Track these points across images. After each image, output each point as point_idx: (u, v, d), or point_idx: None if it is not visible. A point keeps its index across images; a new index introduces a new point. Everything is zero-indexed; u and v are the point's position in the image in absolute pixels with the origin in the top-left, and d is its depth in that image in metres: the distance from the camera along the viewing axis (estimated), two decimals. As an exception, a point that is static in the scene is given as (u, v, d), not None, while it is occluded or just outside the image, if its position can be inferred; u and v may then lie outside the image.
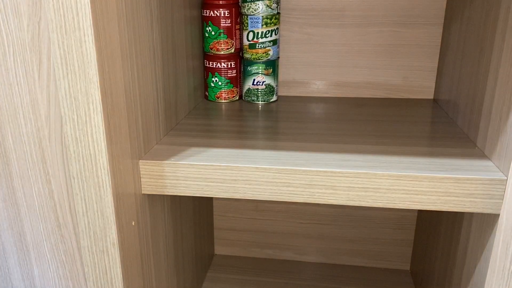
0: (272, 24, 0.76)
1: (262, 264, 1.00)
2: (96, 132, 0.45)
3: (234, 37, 0.77)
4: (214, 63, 0.78)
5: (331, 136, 0.61)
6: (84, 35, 0.41)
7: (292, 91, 0.87)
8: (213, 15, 0.75)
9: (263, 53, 0.77)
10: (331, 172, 0.49)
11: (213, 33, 0.76)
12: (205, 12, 0.76)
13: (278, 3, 0.76)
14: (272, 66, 0.79)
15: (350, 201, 0.50)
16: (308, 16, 0.81)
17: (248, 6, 0.75)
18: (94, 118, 0.44)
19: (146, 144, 0.55)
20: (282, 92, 0.87)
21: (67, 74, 0.43)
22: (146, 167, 0.53)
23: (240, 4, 0.77)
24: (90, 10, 0.40)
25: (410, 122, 0.67)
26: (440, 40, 0.79)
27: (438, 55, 0.80)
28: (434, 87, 0.82)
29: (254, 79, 0.79)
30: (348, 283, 0.93)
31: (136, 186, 0.53)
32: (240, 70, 0.81)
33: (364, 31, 0.81)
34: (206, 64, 0.79)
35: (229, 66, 0.78)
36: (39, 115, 0.47)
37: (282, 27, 0.82)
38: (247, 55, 0.78)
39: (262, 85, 0.79)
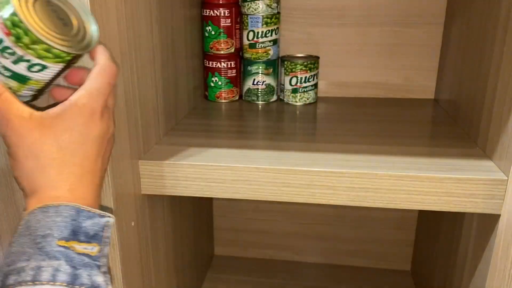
0: (272, 23, 0.76)
1: (262, 265, 1.00)
2: (95, 132, 0.44)
3: (234, 37, 0.77)
4: (214, 62, 0.78)
5: (331, 136, 0.61)
6: (83, 34, 0.41)
7: (292, 91, 0.86)
8: (213, 14, 0.75)
9: (263, 53, 0.77)
10: (331, 172, 0.49)
11: (213, 32, 0.76)
12: (205, 12, 0.76)
13: (278, 2, 0.76)
14: (272, 66, 0.79)
15: (351, 202, 0.50)
16: (308, 16, 0.81)
17: (248, 5, 0.75)
18: (93, 118, 0.44)
19: (146, 144, 0.55)
20: (282, 92, 0.87)
21: (66, 73, 0.43)
22: (146, 167, 0.53)
23: (240, 3, 0.77)
24: (89, 10, 0.40)
25: (410, 122, 0.67)
26: (441, 40, 0.79)
27: (438, 55, 0.79)
28: (434, 86, 0.81)
29: (254, 79, 0.79)
30: (348, 284, 0.93)
31: (135, 186, 0.52)
32: (240, 70, 0.81)
33: (364, 31, 0.81)
34: (206, 64, 0.79)
35: (229, 66, 0.78)
36: (38, 115, 0.47)
37: (283, 27, 0.82)
38: (247, 55, 0.78)
39: (262, 85, 0.79)
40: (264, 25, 0.75)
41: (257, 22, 0.75)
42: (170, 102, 0.64)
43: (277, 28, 0.77)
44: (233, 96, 0.81)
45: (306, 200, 0.51)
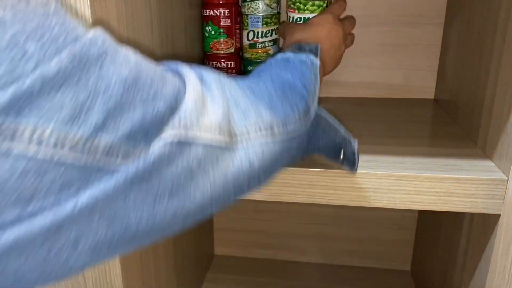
0: (272, 23, 0.76)
1: (262, 265, 1.00)
2: (95, 132, 0.44)
3: (234, 37, 0.77)
4: (214, 62, 0.78)
5: (331, 136, 0.61)
6: (83, 34, 0.41)
7: (292, 91, 0.86)
8: (213, 14, 0.75)
9: (263, 53, 0.77)
10: (332, 172, 0.49)
11: (213, 32, 0.76)
12: (205, 12, 0.76)
13: (278, 2, 0.76)
14: (272, 66, 0.79)
15: (351, 202, 0.50)
16: (308, 16, 0.81)
17: (248, 5, 0.75)
18: (93, 118, 0.44)
19: (146, 144, 0.55)
20: (282, 92, 0.86)
21: (66, 74, 0.43)
22: (146, 167, 0.53)
23: (240, 3, 0.77)
24: (89, 11, 0.40)
25: (410, 122, 0.67)
26: (440, 40, 0.79)
27: (438, 55, 0.79)
28: (434, 87, 0.81)
29: (254, 79, 0.79)
30: (348, 284, 0.93)
31: (135, 186, 0.52)
32: (240, 70, 0.80)
33: (364, 31, 0.81)
34: (206, 64, 0.79)
35: (229, 66, 0.78)
36: (38, 115, 0.47)
37: (282, 27, 0.82)
38: (247, 55, 0.78)
39: (262, 85, 0.79)
40: (264, 25, 0.75)
41: (257, 22, 0.75)
42: (170, 102, 0.63)
43: (277, 28, 0.77)
44: (233, 96, 0.81)
45: (306, 200, 0.51)
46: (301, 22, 0.64)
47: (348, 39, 0.63)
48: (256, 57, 0.78)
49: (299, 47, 0.51)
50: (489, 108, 0.53)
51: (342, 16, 0.66)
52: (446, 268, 0.67)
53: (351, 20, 0.65)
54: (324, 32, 0.57)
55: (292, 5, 0.65)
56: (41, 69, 0.21)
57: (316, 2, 0.64)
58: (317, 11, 0.64)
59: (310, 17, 0.63)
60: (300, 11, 0.64)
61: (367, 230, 0.95)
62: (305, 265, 0.99)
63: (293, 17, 0.65)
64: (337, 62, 0.62)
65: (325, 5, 0.65)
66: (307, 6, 0.64)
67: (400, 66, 0.82)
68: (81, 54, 0.23)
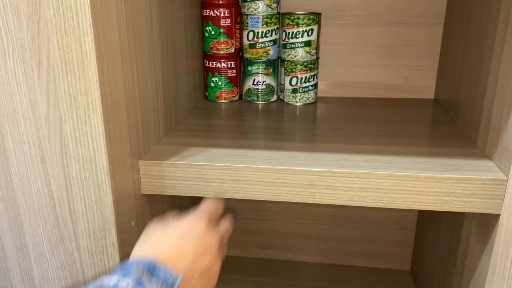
0: (272, 23, 0.76)
1: (262, 265, 1.00)
2: (95, 132, 0.44)
3: (234, 37, 0.77)
4: (214, 63, 0.78)
5: (331, 136, 0.61)
6: (84, 35, 0.41)
7: (292, 91, 0.86)
8: (213, 14, 0.75)
9: (263, 53, 0.77)
10: (331, 172, 0.49)
11: (213, 32, 0.76)
12: (205, 12, 0.76)
13: (278, 2, 0.76)
14: (272, 66, 0.78)
15: (351, 201, 0.50)
16: (308, 16, 0.81)
17: (248, 5, 0.75)
18: (93, 118, 0.44)
19: (146, 144, 0.55)
20: (282, 92, 0.87)
21: (67, 74, 0.43)
22: (146, 167, 0.53)
23: (240, 3, 0.77)
24: (89, 10, 0.40)
25: (410, 122, 0.67)
26: (440, 40, 0.79)
27: (438, 55, 0.79)
28: (434, 87, 0.82)
29: (254, 79, 0.79)
30: (348, 284, 0.93)
31: (135, 186, 0.53)
32: (240, 70, 0.81)
33: (364, 31, 0.81)
34: (206, 64, 0.79)
35: (229, 66, 0.78)
36: (39, 115, 0.47)
37: (282, 27, 0.82)
38: (247, 55, 0.78)
39: (262, 85, 0.79)
40: (264, 25, 0.75)
41: (257, 22, 0.75)
42: (170, 102, 0.64)
43: (277, 28, 0.77)
44: (233, 96, 0.81)
45: (306, 200, 0.51)
46: (299, 36, 0.73)
47: (224, 247, 0.49)
48: (256, 57, 0.78)
49: (153, 270, 0.39)
50: (489, 108, 0.53)
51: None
52: (446, 268, 0.67)
53: (229, 222, 0.51)
54: (192, 246, 0.44)
55: (290, 22, 0.73)
56: None
57: (311, 17, 0.73)
58: (313, 24, 0.73)
59: (307, 30, 0.72)
60: (299, 26, 0.73)
61: (367, 230, 0.95)
62: (305, 265, 0.99)
63: (292, 32, 0.73)
64: (211, 280, 0.45)
65: (317, 19, 0.73)
66: (304, 20, 0.72)
67: (400, 66, 0.82)
68: None
